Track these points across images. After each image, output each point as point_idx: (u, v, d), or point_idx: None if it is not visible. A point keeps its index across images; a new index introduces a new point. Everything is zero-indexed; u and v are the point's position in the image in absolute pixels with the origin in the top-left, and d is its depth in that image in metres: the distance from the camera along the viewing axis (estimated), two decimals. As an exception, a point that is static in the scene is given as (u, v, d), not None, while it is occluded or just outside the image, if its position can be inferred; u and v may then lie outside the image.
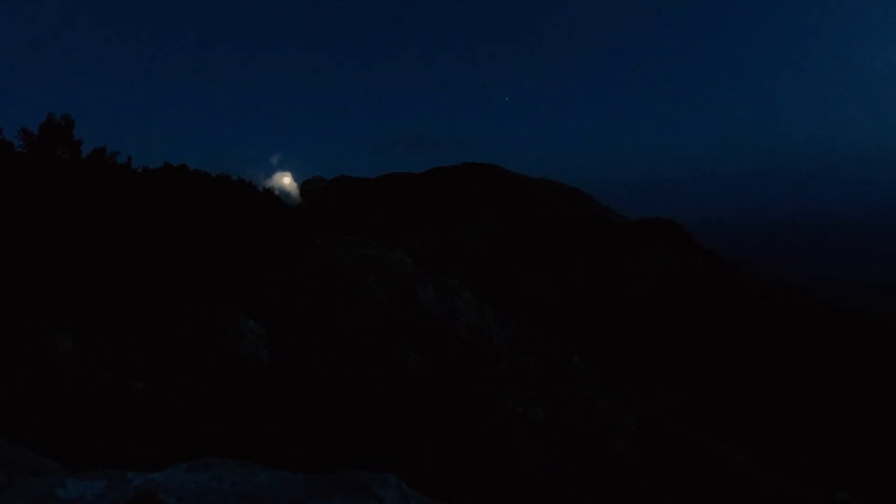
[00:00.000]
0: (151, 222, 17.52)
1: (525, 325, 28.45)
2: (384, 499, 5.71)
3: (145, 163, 31.11)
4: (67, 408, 8.59)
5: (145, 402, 9.50)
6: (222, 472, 5.74)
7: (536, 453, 12.83)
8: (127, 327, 12.14)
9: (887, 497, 29.86)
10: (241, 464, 6.06)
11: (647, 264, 79.37)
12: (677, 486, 14.68)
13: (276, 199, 43.62)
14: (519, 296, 56.81)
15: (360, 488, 5.79)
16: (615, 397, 20.12)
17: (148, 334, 12.12)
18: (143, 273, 14.41)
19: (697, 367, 52.09)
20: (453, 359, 19.05)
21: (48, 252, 13.32)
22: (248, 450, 7.73)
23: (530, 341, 25.30)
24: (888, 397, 48.02)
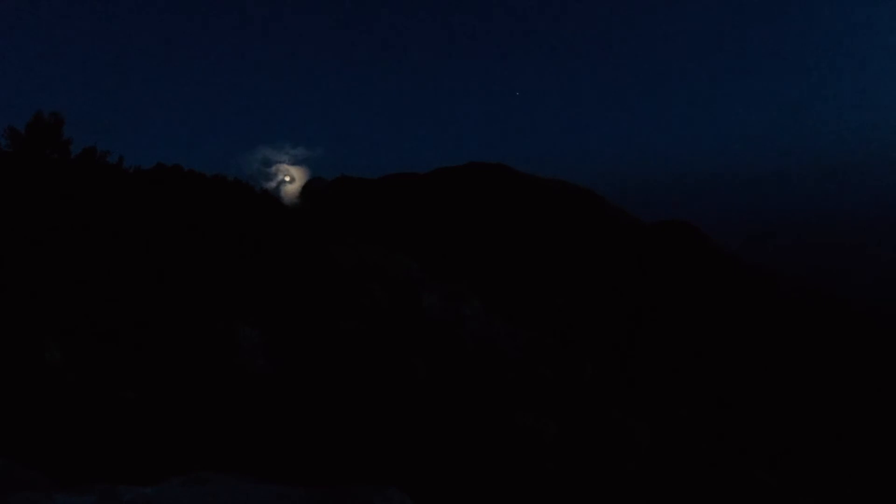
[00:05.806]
0: (143, 225, 17.37)
1: (536, 334, 28.07)
2: (386, 513, 5.48)
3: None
4: (56, 419, 8.42)
5: (137, 413, 9.34)
6: (218, 487, 5.52)
7: (548, 468, 12.56)
8: (118, 335, 11.99)
9: None
10: (238, 478, 5.84)
11: (663, 269, 78.53)
12: (696, 505, 14.29)
13: (275, 200, 43.60)
14: (530, 302, 56.35)
15: (361, 502, 5.56)
16: (631, 410, 19.72)
17: (140, 342, 11.98)
18: (134, 278, 14.27)
19: (717, 377, 51.12)
20: (460, 369, 18.78)
21: (34, 256, 13.20)
22: (244, 463, 7.52)
23: (542, 351, 24.92)
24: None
